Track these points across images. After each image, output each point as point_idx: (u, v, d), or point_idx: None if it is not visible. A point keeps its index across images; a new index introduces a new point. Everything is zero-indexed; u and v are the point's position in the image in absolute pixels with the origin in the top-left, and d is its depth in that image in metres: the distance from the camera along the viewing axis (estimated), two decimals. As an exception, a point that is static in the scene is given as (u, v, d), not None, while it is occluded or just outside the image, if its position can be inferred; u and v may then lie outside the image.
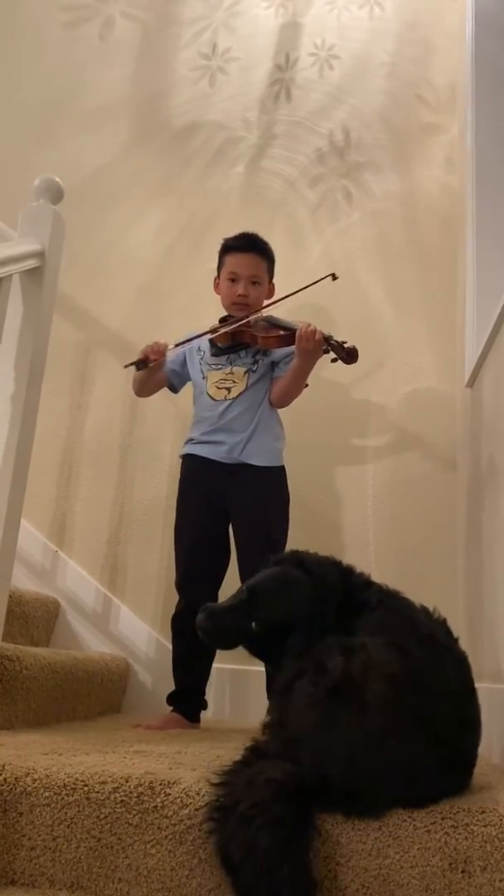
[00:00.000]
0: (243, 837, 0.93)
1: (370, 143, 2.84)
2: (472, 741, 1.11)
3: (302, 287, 2.09)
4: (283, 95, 2.94)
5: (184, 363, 2.20)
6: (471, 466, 2.22)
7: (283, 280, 2.60)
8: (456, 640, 1.19)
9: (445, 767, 1.05)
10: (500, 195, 2.36)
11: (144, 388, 2.19)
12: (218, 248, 2.25)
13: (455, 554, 2.39)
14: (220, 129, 2.92)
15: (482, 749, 1.64)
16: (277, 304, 2.15)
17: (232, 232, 2.26)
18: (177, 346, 2.10)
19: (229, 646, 1.40)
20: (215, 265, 2.26)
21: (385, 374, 2.60)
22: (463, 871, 0.97)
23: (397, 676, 1.04)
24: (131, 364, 2.04)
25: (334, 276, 2.08)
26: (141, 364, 2.03)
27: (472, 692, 1.14)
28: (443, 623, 1.21)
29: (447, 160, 2.79)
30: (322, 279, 2.09)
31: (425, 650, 1.11)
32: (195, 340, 2.13)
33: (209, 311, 2.27)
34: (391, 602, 1.26)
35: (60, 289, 1.80)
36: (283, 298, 2.14)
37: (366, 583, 1.32)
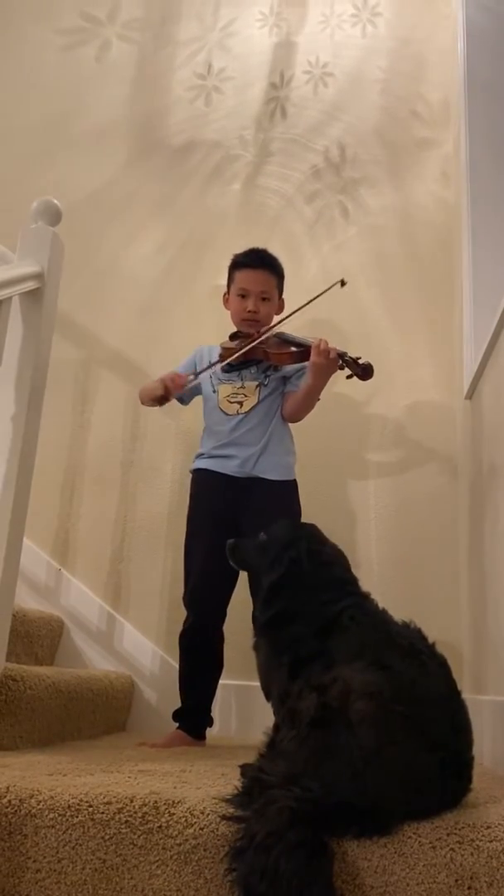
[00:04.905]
0: (264, 867, 0.91)
1: (366, 158, 2.87)
2: (466, 743, 1.12)
3: (313, 298, 2.09)
4: (278, 113, 2.97)
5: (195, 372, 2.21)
6: (472, 478, 2.22)
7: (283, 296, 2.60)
8: (433, 645, 1.20)
9: (445, 772, 1.05)
10: (495, 208, 2.38)
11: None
12: (216, 265, 2.27)
13: (458, 566, 2.39)
14: (216, 148, 2.95)
15: (489, 761, 1.64)
16: (289, 319, 2.15)
17: (230, 249, 2.27)
18: (198, 374, 2.13)
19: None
20: (214, 282, 2.28)
21: (384, 388, 2.60)
22: (469, 888, 0.97)
23: (381, 693, 1.05)
24: (156, 402, 2.10)
25: (343, 283, 2.10)
26: (164, 401, 2.09)
27: (457, 694, 1.15)
28: (418, 631, 1.23)
29: (442, 174, 2.81)
30: (331, 287, 2.09)
31: (408, 661, 1.13)
32: (209, 368, 2.13)
33: (209, 327, 2.29)
34: (364, 619, 1.26)
35: (60, 308, 1.82)
36: (294, 312, 2.12)
37: (342, 595, 1.33)
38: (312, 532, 1.49)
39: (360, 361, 1.99)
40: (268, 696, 1.37)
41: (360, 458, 2.57)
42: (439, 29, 2.95)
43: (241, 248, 2.26)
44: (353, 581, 1.40)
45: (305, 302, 2.10)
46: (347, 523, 2.50)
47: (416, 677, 1.10)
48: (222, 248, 2.31)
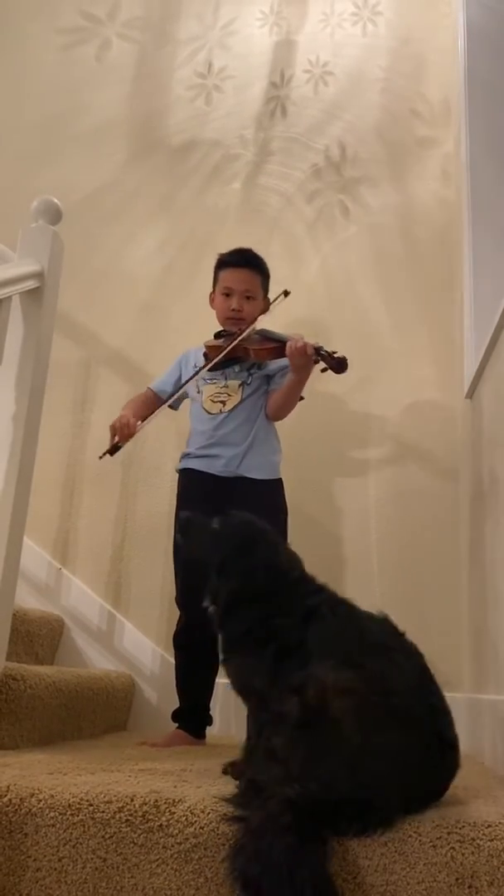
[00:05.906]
0: (257, 851, 0.92)
1: (366, 157, 2.87)
2: (447, 723, 1.13)
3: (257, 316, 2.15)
4: (278, 112, 2.97)
5: (178, 381, 2.22)
6: (472, 477, 2.22)
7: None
8: (403, 636, 1.21)
9: (432, 752, 1.07)
10: (495, 207, 2.38)
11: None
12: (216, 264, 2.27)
13: (458, 565, 2.39)
14: (216, 147, 2.94)
15: (489, 761, 1.64)
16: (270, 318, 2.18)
17: (230, 248, 2.28)
18: (144, 421, 2.07)
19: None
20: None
21: (385, 387, 2.61)
22: (470, 887, 0.97)
23: (355, 689, 1.07)
24: (106, 453, 2.03)
25: (286, 293, 2.15)
26: (115, 450, 2.03)
27: (431, 682, 1.16)
28: (386, 622, 1.23)
29: (443, 173, 2.81)
30: (277, 298, 2.16)
31: (376, 658, 1.14)
32: (195, 375, 2.12)
33: (208, 327, 2.28)
34: (341, 610, 1.28)
35: (60, 307, 1.82)
36: (251, 325, 2.15)
37: (317, 588, 1.35)
38: (266, 546, 1.43)
39: (336, 355, 1.97)
40: (245, 697, 1.35)
41: (360, 457, 2.57)
42: (439, 29, 2.95)
43: (241, 246, 2.26)
44: (314, 579, 1.40)
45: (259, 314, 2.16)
46: (347, 522, 2.50)
47: (386, 669, 1.12)
48: (223, 247, 2.31)
